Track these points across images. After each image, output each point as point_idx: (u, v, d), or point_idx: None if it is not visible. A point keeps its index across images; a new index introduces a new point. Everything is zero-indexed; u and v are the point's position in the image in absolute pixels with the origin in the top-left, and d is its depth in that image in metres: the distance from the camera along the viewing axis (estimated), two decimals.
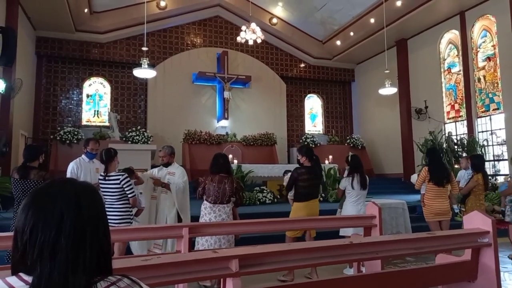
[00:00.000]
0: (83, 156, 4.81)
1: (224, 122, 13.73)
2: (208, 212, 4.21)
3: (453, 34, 12.00)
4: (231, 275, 2.05)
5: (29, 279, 0.79)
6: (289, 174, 5.12)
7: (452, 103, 12.14)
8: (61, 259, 0.79)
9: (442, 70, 12.46)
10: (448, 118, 12.24)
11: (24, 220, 0.82)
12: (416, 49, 13.20)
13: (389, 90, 11.69)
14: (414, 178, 6.05)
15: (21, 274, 0.81)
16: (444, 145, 9.74)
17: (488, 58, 10.92)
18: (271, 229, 4.34)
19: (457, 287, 2.89)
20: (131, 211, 4.32)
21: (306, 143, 13.90)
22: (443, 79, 12.44)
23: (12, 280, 0.80)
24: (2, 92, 7.43)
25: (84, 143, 4.93)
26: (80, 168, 4.66)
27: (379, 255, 2.55)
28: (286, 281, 4.07)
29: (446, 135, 10.49)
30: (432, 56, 12.63)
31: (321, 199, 9.46)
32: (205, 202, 4.28)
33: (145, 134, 11.90)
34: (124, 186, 4.13)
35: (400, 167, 13.27)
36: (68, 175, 4.54)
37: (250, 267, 2.12)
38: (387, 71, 11.62)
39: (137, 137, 11.68)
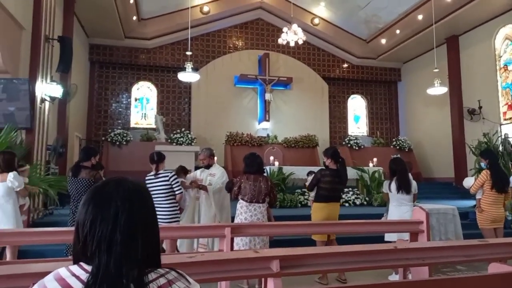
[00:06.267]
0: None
1: (265, 124, 13.79)
2: (244, 211, 4.25)
3: (510, 29, 11.20)
4: (272, 275, 2.06)
5: (89, 268, 0.87)
6: (313, 175, 5.11)
7: (509, 103, 11.32)
8: (116, 251, 0.86)
9: (497, 67, 11.66)
10: (505, 119, 11.41)
11: (84, 215, 0.90)
12: (468, 46, 12.47)
13: (438, 89, 11.13)
14: (468, 181, 5.64)
15: (81, 263, 0.89)
16: (500, 148, 9.11)
17: None
18: (312, 232, 4.30)
19: None
20: (178, 209, 4.49)
21: (349, 145, 13.62)
22: (498, 77, 11.64)
23: (74, 268, 0.88)
24: (59, 97, 7.97)
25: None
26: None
27: (425, 261, 2.45)
28: (321, 283, 4.03)
29: (502, 137, 9.80)
30: (487, 53, 11.85)
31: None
32: (241, 201, 4.32)
33: (189, 136, 12.26)
34: (172, 182, 4.32)
35: (450, 171, 12.57)
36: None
37: (291, 268, 2.12)
38: (436, 70, 11.08)
39: (182, 139, 12.06)
